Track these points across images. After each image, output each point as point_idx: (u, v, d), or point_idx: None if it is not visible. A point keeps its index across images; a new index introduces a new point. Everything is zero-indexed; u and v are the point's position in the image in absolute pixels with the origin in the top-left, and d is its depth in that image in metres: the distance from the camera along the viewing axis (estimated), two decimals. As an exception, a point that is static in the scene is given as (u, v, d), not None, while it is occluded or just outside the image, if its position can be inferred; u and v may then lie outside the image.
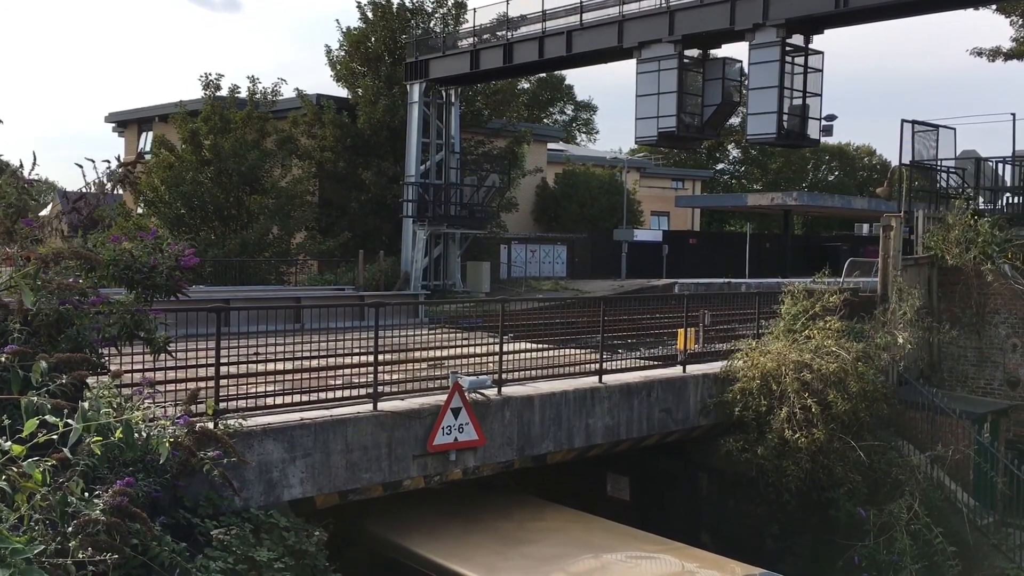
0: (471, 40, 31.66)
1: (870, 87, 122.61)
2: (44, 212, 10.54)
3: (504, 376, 12.53)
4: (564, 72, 63.39)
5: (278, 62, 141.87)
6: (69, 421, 5.06)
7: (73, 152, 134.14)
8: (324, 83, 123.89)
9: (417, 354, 13.17)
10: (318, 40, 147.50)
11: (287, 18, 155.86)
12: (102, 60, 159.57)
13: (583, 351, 14.96)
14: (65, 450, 5.21)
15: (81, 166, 9.45)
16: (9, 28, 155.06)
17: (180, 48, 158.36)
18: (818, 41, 24.22)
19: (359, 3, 35.55)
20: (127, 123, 47.48)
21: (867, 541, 13.71)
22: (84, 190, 9.79)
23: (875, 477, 14.50)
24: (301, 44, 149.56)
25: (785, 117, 23.64)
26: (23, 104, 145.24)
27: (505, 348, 12.63)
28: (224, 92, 31.02)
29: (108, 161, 9.79)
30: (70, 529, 5.52)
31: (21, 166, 9.01)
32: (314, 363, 11.88)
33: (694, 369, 15.35)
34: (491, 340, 13.10)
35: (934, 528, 13.54)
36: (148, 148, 39.76)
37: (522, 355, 13.47)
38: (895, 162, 21.33)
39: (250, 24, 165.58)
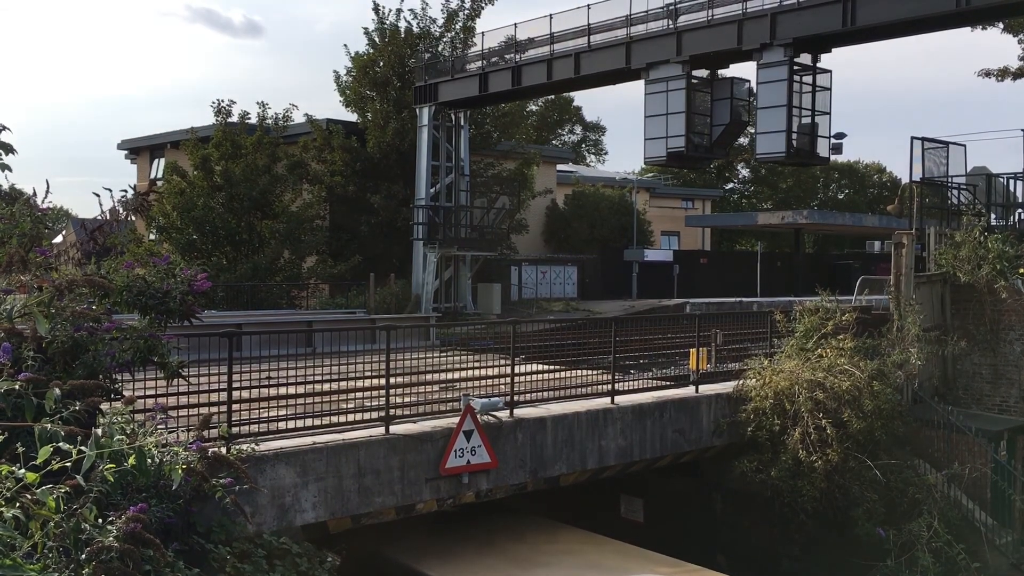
0: (480, 63, 31.86)
1: (879, 105, 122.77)
2: (57, 239, 10.63)
3: (516, 398, 12.49)
4: (573, 93, 63.75)
5: (300, 85, 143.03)
6: (83, 448, 5.06)
7: (86, 179, 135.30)
8: (342, 106, 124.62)
9: (429, 377, 13.15)
10: (338, 63, 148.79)
11: (309, 42, 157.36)
12: (121, 87, 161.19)
13: (595, 372, 14.91)
14: (78, 477, 5.21)
15: (98, 195, 9.54)
16: (28, 56, 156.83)
17: (203, 74, 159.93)
18: (826, 60, 24.33)
19: (366, 28, 35.95)
20: (139, 150, 47.93)
21: (887, 560, 13.57)
22: (100, 218, 9.87)
23: (891, 496, 14.37)
24: (322, 67, 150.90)
25: (794, 136, 23.68)
26: (39, 130, 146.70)
27: (517, 370, 12.59)
28: (235, 118, 31.30)
29: (124, 190, 9.88)
30: (83, 556, 5.51)
31: (34, 194, 9.09)
32: (326, 387, 11.87)
33: (707, 389, 15.28)
34: (503, 362, 13.09)
35: (955, 545, 13.40)
36: (160, 174, 40.11)
37: (534, 377, 13.45)
38: (905, 179, 21.31)
39: (272, 48, 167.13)
